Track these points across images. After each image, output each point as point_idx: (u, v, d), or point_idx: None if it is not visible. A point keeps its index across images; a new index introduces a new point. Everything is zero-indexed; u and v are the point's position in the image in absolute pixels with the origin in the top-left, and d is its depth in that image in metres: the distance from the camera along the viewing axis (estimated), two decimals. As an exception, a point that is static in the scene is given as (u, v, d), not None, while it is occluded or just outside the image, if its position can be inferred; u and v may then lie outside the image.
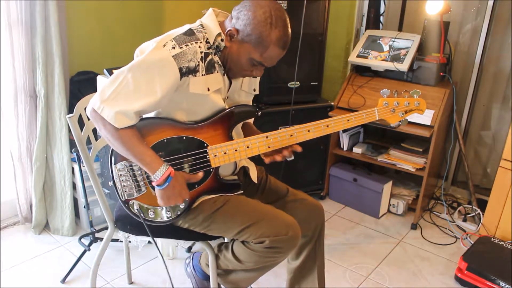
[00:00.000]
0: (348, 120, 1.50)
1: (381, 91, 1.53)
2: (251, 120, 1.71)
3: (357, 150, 2.88)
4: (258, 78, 1.63)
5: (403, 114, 1.54)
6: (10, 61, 2.16)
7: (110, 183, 1.46)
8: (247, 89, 1.57)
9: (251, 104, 1.61)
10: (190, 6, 2.91)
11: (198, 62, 1.36)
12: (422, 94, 2.57)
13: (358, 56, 2.82)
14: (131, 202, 1.46)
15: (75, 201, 2.45)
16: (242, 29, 1.35)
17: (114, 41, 2.64)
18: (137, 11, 2.69)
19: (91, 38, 2.54)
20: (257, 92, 1.64)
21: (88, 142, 1.64)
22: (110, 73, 2.26)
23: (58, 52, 2.18)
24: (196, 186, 1.46)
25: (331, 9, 2.68)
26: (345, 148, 2.92)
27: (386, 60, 2.71)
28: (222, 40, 1.39)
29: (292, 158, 1.51)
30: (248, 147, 1.45)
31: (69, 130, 1.98)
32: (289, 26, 1.37)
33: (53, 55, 2.18)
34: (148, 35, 2.72)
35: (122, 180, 1.44)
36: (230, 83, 1.50)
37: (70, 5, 2.37)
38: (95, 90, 2.30)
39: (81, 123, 1.60)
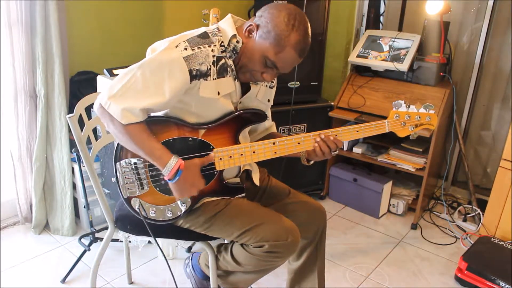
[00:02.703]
0: (357, 131, 1.48)
1: (393, 102, 1.50)
2: (274, 129, 1.71)
3: (357, 150, 2.87)
4: (274, 90, 1.62)
5: (413, 128, 1.51)
6: (10, 61, 2.16)
7: (113, 179, 1.46)
8: (261, 98, 1.55)
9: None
10: (190, 6, 2.91)
11: (210, 66, 1.35)
12: (422, 94, 2.60)
13: (358, 56, 2.82)
14: (133, 200, 1.46)
15: (75, 201, 2.45)
16: (263, 25, 1.34)
17: (114, 41, 2.64)
18: (137, 11, 2.69)
19: (91, 38, 2.54)
20: (271, 103, 1.62)
21: (88, 142, 1.64)
22: (110, 73, 2.27)
23: (58, 52, 2.18)
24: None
25: (331, 9, 2.68)
26: (345, 148, 2.92)
27: (386, 60, 2.71)
28: (237, 41, 1.38)
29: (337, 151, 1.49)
30: (254, 152, 1.44)
31: (69, 130, 1.98)
32: (309, 35, 1.36)
33: (53, 55, 2.18)
34: (148, 35, 2.76)
35: (125, 178, 1.43)
36: (246, 89, 1.49)
37: (70, 5, 2.37)
38: (95, 90, 2.32)
39: (81, 123, 1.60)
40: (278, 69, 1.39)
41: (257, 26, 1.35)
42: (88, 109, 1.60)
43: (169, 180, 1.34)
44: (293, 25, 1.31)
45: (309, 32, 1.36)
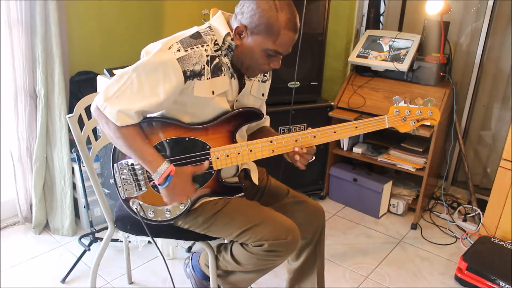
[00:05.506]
0: (356, 127, 1.47)
1: (393, 98, 1.48)
2: (267, 123, 1.72)
3: (357, 150, 2.88)
4: (268, 84, 1.62)
5: (414, 123, 1.48)
6: (10, 61, 2.16)
7: (111, 181, 1.46)
8: (255, 93, 1.56)
9: (260, 108, 1.61)
10: (190, 6, 2.91)
11: (204, 65, 1.35)
12: (422, 94, 2.60)
13: (358, 56, 2.82)
14: (131, 200, 1.46)
15: (75, 201, 2.45)
16: (249, 22, 1.33)
17: (114, 41, 2.64)
18: (137, 11, 2.69)
19: (91, 38, 2.54)
20: (265, 97, 1.62)
21: (88, 142, 1.64)
22: (110, 73, 2.27)
23: (58, 52, 2.18)
24: (198, 187, 1.46)
25: (331, 9, 2.68)
26: (345, 148, 2.92)
27: (386, 60, 2.71)
28: (232, 39, 1.38)
29: (313, 158, 1.52)
30: (251, 150, 1.44)
31: (69, 130, 1.98)
32: (294, 8, 1.35)
33: (53, 55, 2.18)
34: (148, 35, 2.76)
35: (123, 178, 1.44)
36: (242, 86, 1.49)
37: (70, 5, 2.37)
38: (95, 90, 2.32)
39: (81, 123, 1.60)
40: (281, 54, 1.39)
41: (244, 26, 1.35)
42: (88, 109, 1.60)
43: (159, 185, 1.35)
44: (276, 8, 1.31)
45: (292, 5, 1.35)
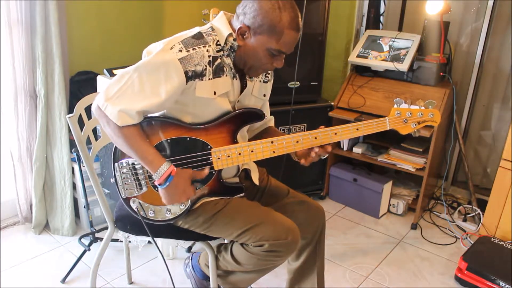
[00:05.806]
0: (357, 129, 1.47)
1: (395, 99, 1.49)
2: (271, 123, 1.72)
3: (357, 150, 2.88)
4: (270, 84, 1.62)
5: (415, 125, 1.48)
6: (10, 61, 2.16)
7: (112, 180, 1.46)
8: (257, 94, 1.56)
9: (261, 109, 1.60)
10: (190, 6, 2.91)
11: (205, 66, 1.35)
12: (422, 94, 2.60)
13: (358, 56, 2.82)
14: (131, 200, 1.46)
15: (75, 201, 2.45)
16: (252, 22, 1.34)
17: (114, 41, 2.64)
18: (137, 11, 2.69)
19: (91, 38, 2.54)
20: (267, 97, 1.62)
21: (88, 142, 1.64)
22: (110, 73, 2.27)
23: (58, 52, 2.18)
24: (198, 187, 1.46)
25: (331, 9, 2.68)
26: (345, 148, 2.92)
27: (386, 60, 2.71)
28: (234, 39, 1.38)
29: (326, 156, 1.51)
30: (252, 151, 1.44)
31: (69, 130, 1.98)
32: (296, 7, 1.36)
33: (53, 55, 2.18)
34: (148, 35, 2.76)
35: (124, 178, 1.44)
36: (244, 86, 1.49)
37: (70, 5, 2.37)
38: (95, 90, 2.32)
39: (81, 123, 1.60)
40: (285, 53, 1.40)
41: (247, 27, 1.35)
42: (88, 109, 1.60)
43: (159, 185, 1.35)
44: (279, 8, 1.31)
45: (295, 4, 1.35)
